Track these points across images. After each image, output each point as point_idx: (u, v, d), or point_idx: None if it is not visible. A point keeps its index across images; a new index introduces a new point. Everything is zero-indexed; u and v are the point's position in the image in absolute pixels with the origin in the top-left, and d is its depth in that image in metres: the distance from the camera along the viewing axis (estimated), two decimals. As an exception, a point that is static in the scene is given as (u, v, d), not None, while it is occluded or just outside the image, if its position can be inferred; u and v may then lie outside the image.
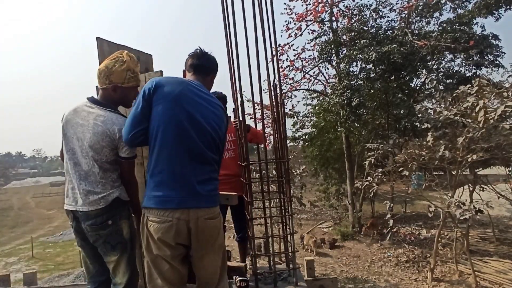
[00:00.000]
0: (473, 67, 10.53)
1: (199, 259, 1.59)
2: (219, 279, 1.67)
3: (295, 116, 12.67)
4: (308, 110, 13.10)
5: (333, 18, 10.16)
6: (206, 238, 1.54)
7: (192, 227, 1.49)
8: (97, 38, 2.32)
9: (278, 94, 2.40)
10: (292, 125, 12.83)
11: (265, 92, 2.61)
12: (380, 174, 5.97)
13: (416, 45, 8.76)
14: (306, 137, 13.15)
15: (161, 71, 2.10)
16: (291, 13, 9.97)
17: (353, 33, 9.35)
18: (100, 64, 2.31)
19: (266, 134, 2.78)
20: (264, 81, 2.32)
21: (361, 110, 8.81)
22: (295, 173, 8.07)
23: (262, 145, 2.70)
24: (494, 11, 10.08)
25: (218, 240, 1.62)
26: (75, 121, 1.78)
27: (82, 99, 1.88)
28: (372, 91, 9.43)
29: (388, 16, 10.66)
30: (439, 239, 6.26)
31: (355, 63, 9.40)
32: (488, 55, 10.03)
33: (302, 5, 11.00)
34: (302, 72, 10.71)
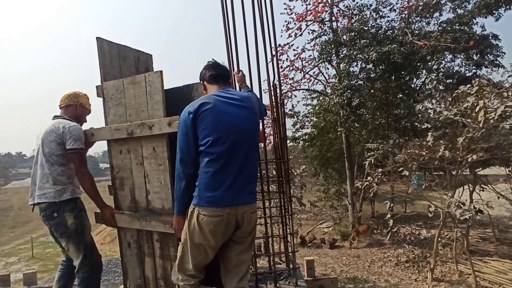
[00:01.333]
0: (473, 67, 10.51)
1: (239, 244, 1.84)
2: (247, 270, 1.88)
3: (295, 116, 12.68)
4: (308, 110, 13.13)
5: (333, 18, 10.15)
6: (249, 228, 1.85)
7: (239, 219, 1.77)
8: (97, 38, 2.33)
9: (278, 94, 2.41)
10: (292, 125, 12.85)
11: (265, 92, 2.61)
12: (380, 174, 5.96)
13: (416, 45, 8.75)
14: (306, 137, 13.15)
15: (161, 71, 2.11)
16: (291, 13, 9.99)
17: (353, 33, 9.33)
18: (99, 64, 2.34)
19: (266, 134, 2.78)
20: (264, 81, 2.33)
21: (361, 110, 8.79)
22: (295, 173, 8.06)
23: (262, 145, 2.70)
24: (494, 11, 10.05)
25: (255, 230, 1.93)
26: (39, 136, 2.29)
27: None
28: (372, 91, 9.42)
29: (388, 16, 10.66)
30: (439, 239, 6.25)
31: (355, 63, 9.39)
32: (488, 55, 10.02)
33: (302, 5, 11.03)
34: (302, 72, 10.70)
